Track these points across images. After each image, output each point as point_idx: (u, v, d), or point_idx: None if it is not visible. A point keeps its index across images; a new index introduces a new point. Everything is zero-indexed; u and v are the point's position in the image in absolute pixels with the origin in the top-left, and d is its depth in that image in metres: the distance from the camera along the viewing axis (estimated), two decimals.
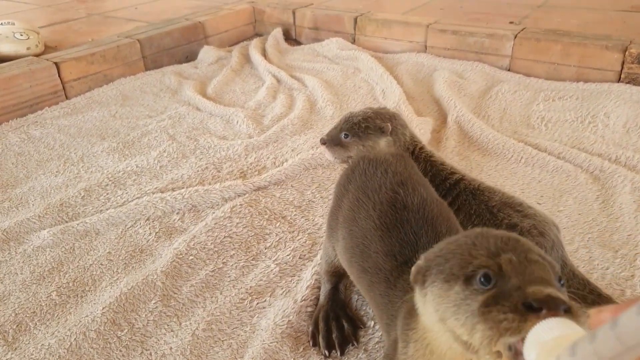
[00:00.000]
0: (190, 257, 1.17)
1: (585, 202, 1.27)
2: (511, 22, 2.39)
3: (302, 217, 1.31)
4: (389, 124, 1.13)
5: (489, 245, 0.54)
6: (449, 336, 0.52)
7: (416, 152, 1.15)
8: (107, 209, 1.37)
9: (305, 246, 1.20)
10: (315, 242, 1.21)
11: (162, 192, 1.42)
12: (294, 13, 2.71)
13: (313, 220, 1.29)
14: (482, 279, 0.50)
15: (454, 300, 0.51)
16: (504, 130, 1.67)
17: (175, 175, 1.51)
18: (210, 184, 1.46)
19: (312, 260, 1.15)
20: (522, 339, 0.44)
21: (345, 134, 1.14)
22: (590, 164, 1.39)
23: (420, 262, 0.59)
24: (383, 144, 1.24)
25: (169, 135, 1.76)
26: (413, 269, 0.59)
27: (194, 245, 1.20)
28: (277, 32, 2.68)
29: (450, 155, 1.54)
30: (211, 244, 1.22)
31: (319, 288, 1.05)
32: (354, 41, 2.55)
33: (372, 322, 0.97)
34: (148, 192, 1.42)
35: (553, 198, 1.30)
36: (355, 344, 0.93)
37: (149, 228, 1.29)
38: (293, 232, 1.25)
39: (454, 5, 2.78)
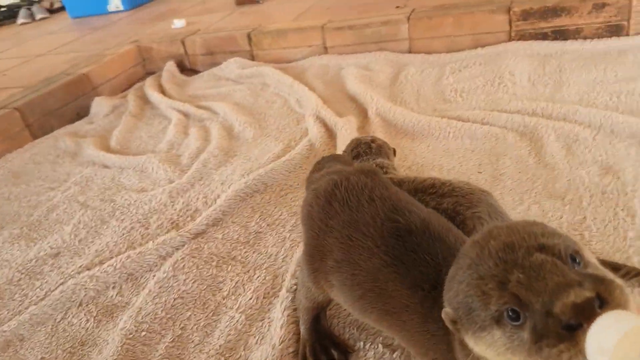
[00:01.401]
0: (143, 333, 1.03)
1: (521, 159, 1.29)
2: (397, 7, 2.44)
3: (253, 252, 1.21)
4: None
5: (492, 272, 0.51)
6: None
7: None
8: (26, 308, 1.17)
9: (265, 283, 1.10)
10: (275, 275, 1.12)
11: (88, 269, 1.25)
12: (183, 43, 2.59)
13: (266, 253, 1.20)
14: (510, 316, 0.48)
15: (503, 345, 0.50)
16: (424, 111, 1.67)
17: (99, 246, 1.34)
18: (141, 244, 1.31)
19: (277, 297, 1.05)
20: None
21: None
22: (513, 123, 1.42)
23: (447, 310, 0.56)
24: None
25: (80, 204, 1.57)
26: (444, 317, 0.56)
27: (142, 319, 1.06)
28: (170, 66, 2.54)
29: None
30: (162, 311, 1.08)
31: (294, 323, 0.96)
32: (252, 58, 2.48)
33: (361, 343, 0.90)
34: (72, 273, 1.25)
35: (491, 163, 1.31)
36: None
37: (85, 314, 1.13)
38: (248, 271, 1.15)
39: (339, 2, 2.79)
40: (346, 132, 1.55)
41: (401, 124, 1.57)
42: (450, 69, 1.90)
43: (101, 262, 1.27)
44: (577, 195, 1.10)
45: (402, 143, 1.53)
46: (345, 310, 0.97)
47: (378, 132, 1.59)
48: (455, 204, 0.89)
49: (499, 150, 1.35)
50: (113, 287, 1.19)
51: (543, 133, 1.33)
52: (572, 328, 0.44)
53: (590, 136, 1.28)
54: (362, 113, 1.76)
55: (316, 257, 0.80)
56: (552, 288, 0.46)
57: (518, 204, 1.13)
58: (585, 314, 0.43)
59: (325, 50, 2.32)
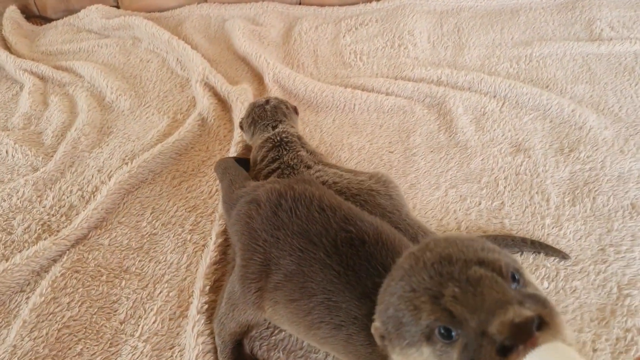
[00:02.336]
0: None
1: (431, 136, 1.26)
2: None
3: (149, 260, 1.05)
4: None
5: (426, 284, 0.47)
6: None
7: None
8: None
9: (170, 301, 0.96)
10: (180, 289, 0.98)
11: None
12: None
13: (165, 261, 1.04)
14: (442, 333, 0.45)
15: None
16: (324, 77, 1.56)
17: None
18: (4, 256, 1.07)
19: (185, 317, 0.92)
20: None
21: None
22: (419, 93, 1.38)
23: (377, 324, 0.53)
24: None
25: None
26: (373, 332, 0.54)
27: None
28: (13, 12, 2.05)
29: None
30: (44, 348, 0.90)
31: (211, 352, 0.85)
32: (117, 5, 2.10)
33: None
34: None
35: (402, 141, 1.26)
36: None
37: None
38: (147, 286, 0.99)
39: None
40: (242, 105, 1.38)
41: (302, 94, 1.45)
42: (346, 25, 1.79)
43: None
44: (493, 178, 1.11)
45: (306, 116, 1.41)
46: (268, 330, 0.88)
47: None
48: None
49: (407, 126, 1.30)
50: None
51: (451, 105, 1.31)
52: (506, 350, 0.41)
53: (497, 108, 1.29)
54: (257, 78, 1.59)
55: (259, 274, 0.72)
56: (489, 305, 0.43)
57: (435, 189, 1.11)
58: (523, 335, 0.40)
59: None
